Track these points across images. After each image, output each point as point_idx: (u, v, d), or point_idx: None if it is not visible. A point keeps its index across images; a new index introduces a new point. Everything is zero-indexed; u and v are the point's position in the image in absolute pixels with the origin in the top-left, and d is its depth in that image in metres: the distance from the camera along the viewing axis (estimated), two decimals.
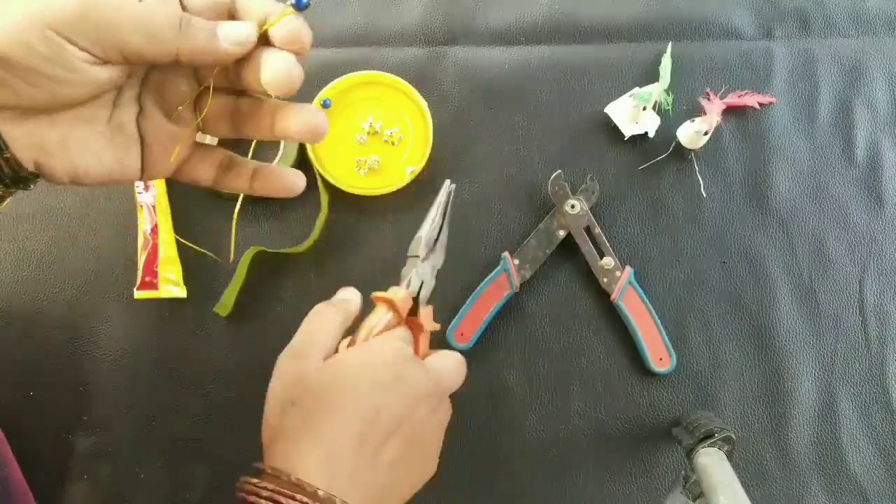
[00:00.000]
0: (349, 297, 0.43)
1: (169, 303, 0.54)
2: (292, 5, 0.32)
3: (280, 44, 0.33)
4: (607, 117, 0.56)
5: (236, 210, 0.55)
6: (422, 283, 0.49)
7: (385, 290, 0.51)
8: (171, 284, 0.54)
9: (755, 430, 0.53)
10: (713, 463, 0.44)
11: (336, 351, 0.40)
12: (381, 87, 0.56)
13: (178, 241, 0.55)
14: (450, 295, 0.54)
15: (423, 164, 0.55)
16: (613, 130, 0.57)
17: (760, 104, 0.57)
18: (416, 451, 0.39)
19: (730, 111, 0.57)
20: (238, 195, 0.55)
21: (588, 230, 0.54)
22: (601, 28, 0.59)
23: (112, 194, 0.56)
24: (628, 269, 0.54)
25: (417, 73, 0.57)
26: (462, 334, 0.53)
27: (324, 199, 0.55)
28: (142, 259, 0.54)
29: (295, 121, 0.36)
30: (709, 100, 0.56)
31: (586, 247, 0.54)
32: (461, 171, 0.56)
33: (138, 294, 0.54)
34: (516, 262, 0.54)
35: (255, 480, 0.34)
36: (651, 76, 0.57)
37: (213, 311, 0.54)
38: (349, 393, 0.36)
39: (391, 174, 0.55)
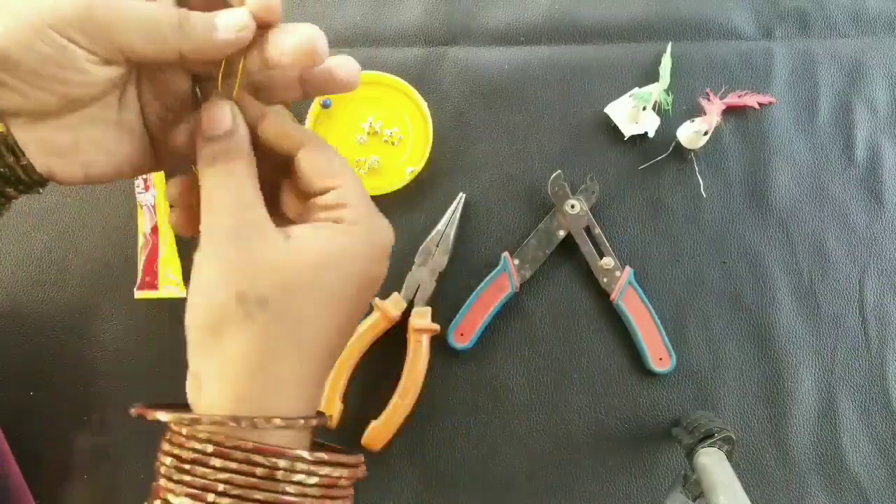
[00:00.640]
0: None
1: (169, 303, 0.54)
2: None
3: (292, 59, 0.31)
4: (607, 117, 0.56)
5: None
6: (418, 286, 0.53)
7: (383, 290, 0.53)
8: (171, 284, 0.54)
9: (755, 430, 0.53)
10: (713, 463, 0.44)
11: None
12: (381, 87, 0.56)
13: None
14: (450, 295, 0.54)
15: (423, 164, 0.55)
16: (613, 130, 0.57)
17: (760, 104, 0.57)
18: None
19: (730, 111, 0.57)
20: None
21: (588, 230, 0.54)
22: (601, 28, 0.59)
23: (112, 194, 0.56)
24: (628, 269, 0.54)
25: (417, 73, 0.57)
26: (462, 334, 0.53)
27: None
28: (142, 259, 0.54)
29: (289, 38, 0.32)
30: (709, 100, 0.56)
31: (586, 247, 0.54)
32: (461, 171, 0.56)
33: (138, 294, 0.54)
34: (516, 262, 0.54)
35: (218, 434, 0.29)
36: (651, 76, 0.57)
37: None
38: (334, 294, 0.31)
39: (391, 174, 0.55)
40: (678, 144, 0.56)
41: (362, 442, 0.51)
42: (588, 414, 0.54)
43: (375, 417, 0.51)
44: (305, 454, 0.30)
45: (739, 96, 0.57)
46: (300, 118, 0.55)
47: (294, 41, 0.31)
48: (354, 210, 0.33)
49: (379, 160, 0.55)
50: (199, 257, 0.31)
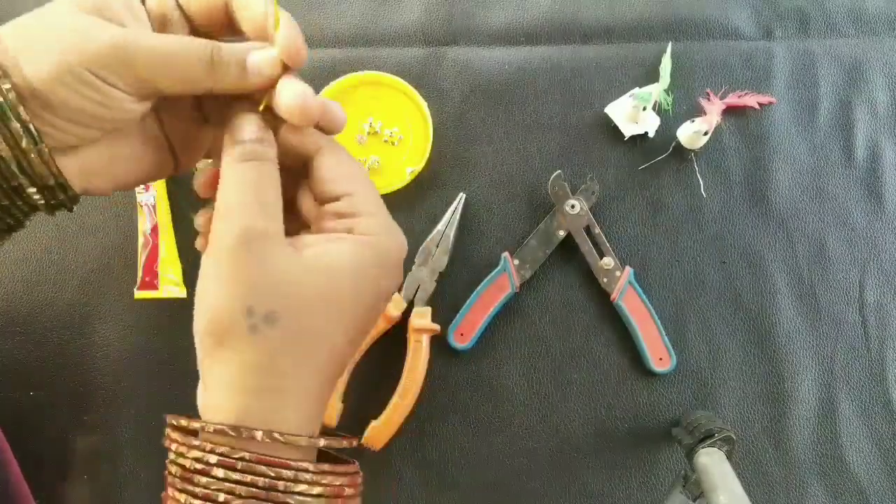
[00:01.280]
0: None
1: (169, 303, 0.54)
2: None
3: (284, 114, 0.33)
4: (607, 117, 0.56)
5: None
6: (418, 286, 0.53)
7: None
8: (171, 284, 0.54)
9: (755, 430, 0.53)
10: (713, 463, 0.44)
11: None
12: (381, 87, 0.56)
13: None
14: (450, 295, 0.54)
15: (422, 164, 0.55)
16: (613, 130, 0.57)
17: (760, 104, 0.57)
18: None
19: (730, 111, 0.57)
20: None
21: (588, 230, 0.54)
22: (601, 28, 0.59)
23: (112, 194, 0.56)
24: (628, 269, 0.54)
25: (417, 73, 0.57)
26: (462, 334, 0.53)
27: None
28: (142, 259, 0.54)
29: (285, 93, 0.33)
30: (709, 100, 0.56)
31: (586, 247, 0.54)
32: (461, 171, 0.56)
33: (138, 294, 0.54)
34: (516, 262, 0.54)
35: (221, 445, 0.29)
36: (651, 76, 0.57)
37: None
38: (345, 309, 0.31)
39: (391, 174, 0.55)
40: (678, 144, 0.56)
41: (362, 441, 0.51)
42: (588, 414, 0.54)
43: (375, 417, 0.51)
44: (309, 465, 0.30)
45: (739, 96, 0.57)
46: None
47: (288, 98, 0.32)
48: (368, 220, 0.33)
49: (379, 160, 0.55)
50: (207, 263, 0.31)
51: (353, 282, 0.31)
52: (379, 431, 0.51)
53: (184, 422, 0.31)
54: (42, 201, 0.32)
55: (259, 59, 0.32)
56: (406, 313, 0.53)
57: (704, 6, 0.59)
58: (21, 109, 0.28)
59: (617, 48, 0.58)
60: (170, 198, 0.55)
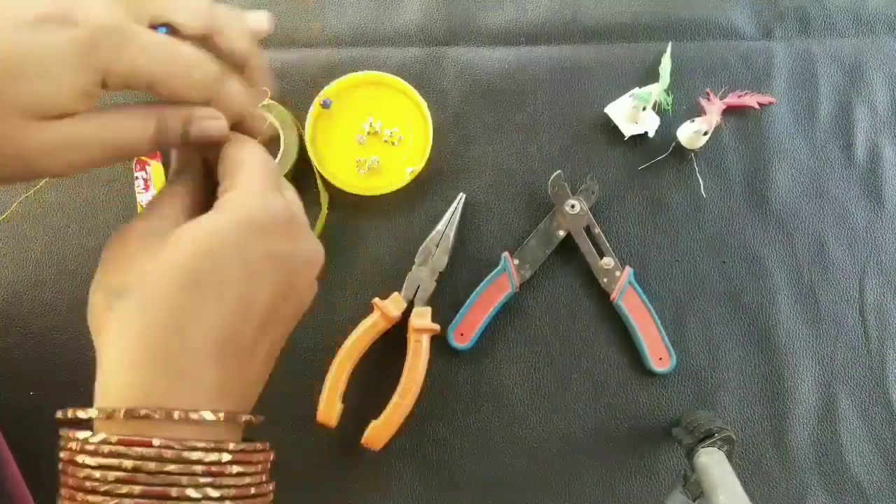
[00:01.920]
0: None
1: None
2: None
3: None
4: (607, 117, 0.56)
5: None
6: (418, 286, 0.53)
7: (383, 290, 0.53)
8: None
9: (755, 430, 0.53)
10: (713, 463, 0.44)
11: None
12: (381, 87, 0.56)
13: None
14: (450, 295, 0.54)
15: (423, 164, 0.55)
16: (613, 130, 0.57)
17: (760, 104, 0.57)
18: (291, 320, 0.34)
19: (730, 111, 0.57)
20: None
21: (588, 230, 0.54)
22: (601, 28, 0.59)
23: (112, 194, 0.56)
24: (628, 269, 0.54)
25: (417, 73, 0.57)
26: (462, 334, 0.53)
27: (324, 199, 0.55)
28: None
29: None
30: (709, 100, 0.56)
31: (586, 246, 0.54)
32: (461, 171, 0.56)
33: None
34: (516, 262, 0.54)
35: (130, 438, 0.28)
36: (651, 76, 0.57)
37: None
38: (209, 281, 0.29)
39: (391, 174, 0.55)
40: (678, 144, 0.56)
41: (362, 441, 0.51)
42: (588, 414, 0.54)
43: (375, 417, 0.51)
44: (202, 444, 0.28)
45: (739, 96, 0.57)
46: (301, 118, 0.55)
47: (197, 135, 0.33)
48: (236, 192, 0.31)
49: (379, 160, 0.55)
50: None
51: (214, 254, 0.30)
52: (379, 431, 0.51)
53: (80, 413, 0.30)
54: None
55: (203, 127, 0.33)
56: (406, 313, 0.53)
57: (704, 6, 0.59)
58: None
59: (617, 48, 0.58)
60: None
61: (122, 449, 0.28)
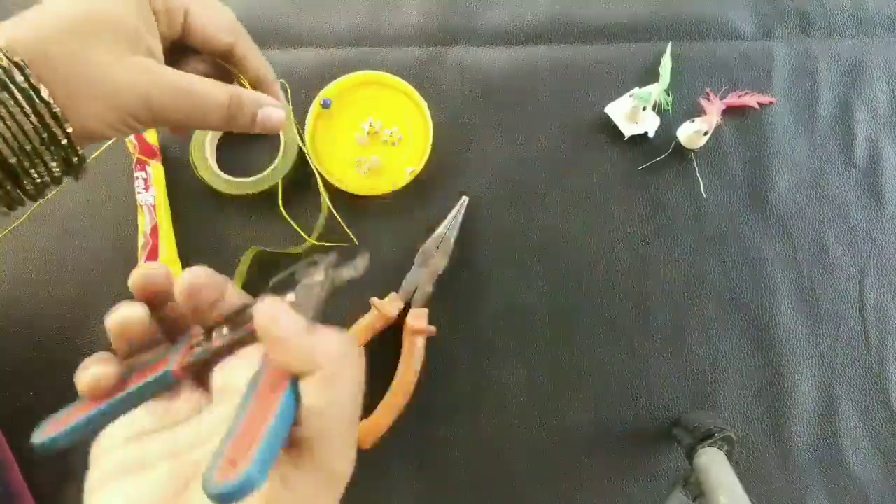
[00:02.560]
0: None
1: None
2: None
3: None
4: (607, 117, 0.56)
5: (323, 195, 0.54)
6: (416, 287, 0.53)
7: (381, 290, 0.52)
8: None
9: (755, 430, 0.53)
10: (713, 463, 0.44)
11: None
12: (381, 87, 0.56)
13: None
14: (449, 296, 0.54)
15: (422, 164, 0.55)
16: (613, 130, 0.57)
17: (760, 104, 0.57)
18: None
19: (730, 111, 0.57)
20: (238, 192, 0.55)
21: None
22: (601, 28, 0.59)
23: (112, 194, 0.56)
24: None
25: (417, 73, 0.57)
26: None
27: (324, 199, 0.55)
28: (142, 259, 0.54)
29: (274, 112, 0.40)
30: (709, 100, 0.56)
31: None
32: (461, 171, 0.56)
33: None
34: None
35: None
36: (651, 76, 0.57)
37: None
38: None
39: (391, 174, 0.55)
40: (678, 144, 0.56)
41: None
42: (588, 414, 0.54)
43: (367, 416, 0.51)
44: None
45: (739, 96, 0.57)
46: (300, 118, 0.55)
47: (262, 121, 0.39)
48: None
49: (379, 160, 0.55)
50: None
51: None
52: (367, 430, 0.50)
53: None
54: (58, 172, 0.34)
55: (268, 115, 0.39)
56: (403, 314, 0.53)
57: (704, 6, 0.59)
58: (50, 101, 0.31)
59: (617, 48, 0.58)
60: (170, 198, 0.55)
61: None
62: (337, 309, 0.54)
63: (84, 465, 0.30)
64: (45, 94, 0.30)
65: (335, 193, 0.55)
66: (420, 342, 0.52)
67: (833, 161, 0.57)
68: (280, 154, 0.55)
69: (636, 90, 0.56)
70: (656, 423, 0.54)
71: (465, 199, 0.55)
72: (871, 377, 0.54)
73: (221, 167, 0.56)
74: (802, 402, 0.53)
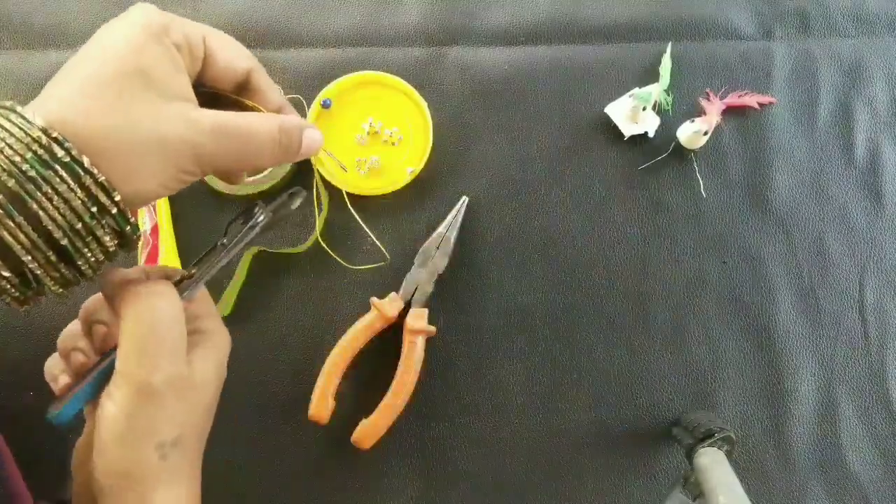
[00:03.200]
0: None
1: None
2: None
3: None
4: (607, 117, 0.56)
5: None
6: (416, 287, 0.53)
7: (381, 290, 0.52)
8: None
9: (755, 430, 0.53)
10: (713, 463, 0.44)
11: None
12: (381, 87, 0.56)
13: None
14: (449, 297, 0.54)
15: (422, 164, 0.55)
16: (613, 130, 0.57)
17: (760, 104, 0.57)
18: None
19: (730, 111, 0.57)
20: (239, 192, 0.55)
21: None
22: (601, 28, 0.59)
23: None
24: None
25: (417, 73, 0.57)
26: None
27: (324, 199, 0.55)
28: (142, 259, 0.54)
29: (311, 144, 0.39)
30: (709, 100, 0.56)
31: None
32: (461, 171, 0.56)
33: None
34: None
35: None
36: (651, 76, 0.57)
37: None
38: (210, 407, 0.36)
39: (391, 174, 0.55)
40: (678, 144, 0.56)
41: (352, 439, 0.50)
42: (588, 414, 0.54)
43: (367, 416, 0.51)
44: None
45: (739, 96, 0.57)
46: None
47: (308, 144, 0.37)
48: (211, 322, 0.38)
49: (379, 160, 0.55)
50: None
51: (218, 384, 0.36)
52: (368, 429, 0.50)
53: None
54: (112, 246, 0.32)
55: (312, 138, 0.37)
56: (403, 314, 0.53)
57: (704, 6, 0.59)
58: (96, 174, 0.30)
59: (617, 48, 0.58)
60: (170, 198, 0.55)
61: None
62: (337, 309, 0.54)
63: None
64: (87, 163, 0.29)
65: (335, 193, 0.55)
66: (420, 342, 0.52)
67: (833, 161, 0.57)
68: None
69: (636, 90, 0.56)
70: (656, 422, 0.54)
71: (465, 199, 0.55)
72: (871, 377, 0.54)
73: None
74: (802, 402, 0.53)
